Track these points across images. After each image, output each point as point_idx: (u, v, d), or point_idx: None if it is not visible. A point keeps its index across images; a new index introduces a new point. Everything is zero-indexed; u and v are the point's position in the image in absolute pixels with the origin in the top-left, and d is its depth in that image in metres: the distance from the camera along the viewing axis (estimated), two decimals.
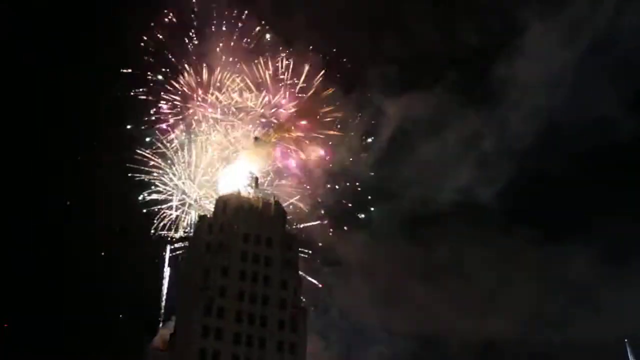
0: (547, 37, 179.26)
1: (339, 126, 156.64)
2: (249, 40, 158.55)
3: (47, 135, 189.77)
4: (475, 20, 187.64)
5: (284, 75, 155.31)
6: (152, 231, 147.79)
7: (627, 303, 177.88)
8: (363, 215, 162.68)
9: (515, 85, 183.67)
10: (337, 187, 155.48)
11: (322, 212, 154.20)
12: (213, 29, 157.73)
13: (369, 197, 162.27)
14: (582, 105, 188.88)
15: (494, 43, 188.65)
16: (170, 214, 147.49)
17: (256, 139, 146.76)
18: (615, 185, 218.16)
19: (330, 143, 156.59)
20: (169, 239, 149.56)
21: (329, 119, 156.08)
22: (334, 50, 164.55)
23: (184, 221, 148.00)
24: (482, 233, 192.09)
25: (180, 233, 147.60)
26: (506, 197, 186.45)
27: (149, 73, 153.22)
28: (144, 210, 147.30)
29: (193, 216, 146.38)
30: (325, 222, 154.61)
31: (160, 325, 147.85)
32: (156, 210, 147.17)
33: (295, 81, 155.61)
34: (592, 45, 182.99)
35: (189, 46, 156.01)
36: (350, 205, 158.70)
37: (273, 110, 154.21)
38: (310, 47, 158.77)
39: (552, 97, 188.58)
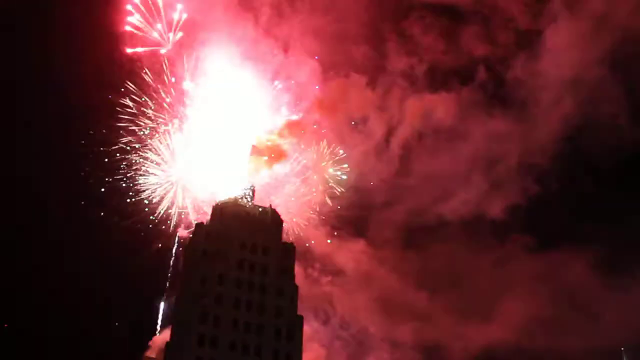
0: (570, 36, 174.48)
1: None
2: (249, 43, 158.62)
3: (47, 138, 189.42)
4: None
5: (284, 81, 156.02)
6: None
7: (624, 311, 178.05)
8: (362, 223, 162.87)
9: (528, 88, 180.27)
10: (335, 197, 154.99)
11: (321, 219, 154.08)
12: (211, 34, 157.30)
13: (370, 205, 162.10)
14: (585, 110, 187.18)
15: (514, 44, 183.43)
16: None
17: (254, 146, 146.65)
18: (613, 192, 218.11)
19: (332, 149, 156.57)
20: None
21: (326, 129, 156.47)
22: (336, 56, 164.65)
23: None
24: (480, 241, 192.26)
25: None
26: (505, 207, 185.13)
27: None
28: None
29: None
30: (324, 230, 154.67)
31: (157, 333, 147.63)
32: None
33: (295, 87, 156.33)
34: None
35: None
36: (349, 213, 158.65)
37: (273, 117, 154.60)
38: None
39: (554, 103, 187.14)
